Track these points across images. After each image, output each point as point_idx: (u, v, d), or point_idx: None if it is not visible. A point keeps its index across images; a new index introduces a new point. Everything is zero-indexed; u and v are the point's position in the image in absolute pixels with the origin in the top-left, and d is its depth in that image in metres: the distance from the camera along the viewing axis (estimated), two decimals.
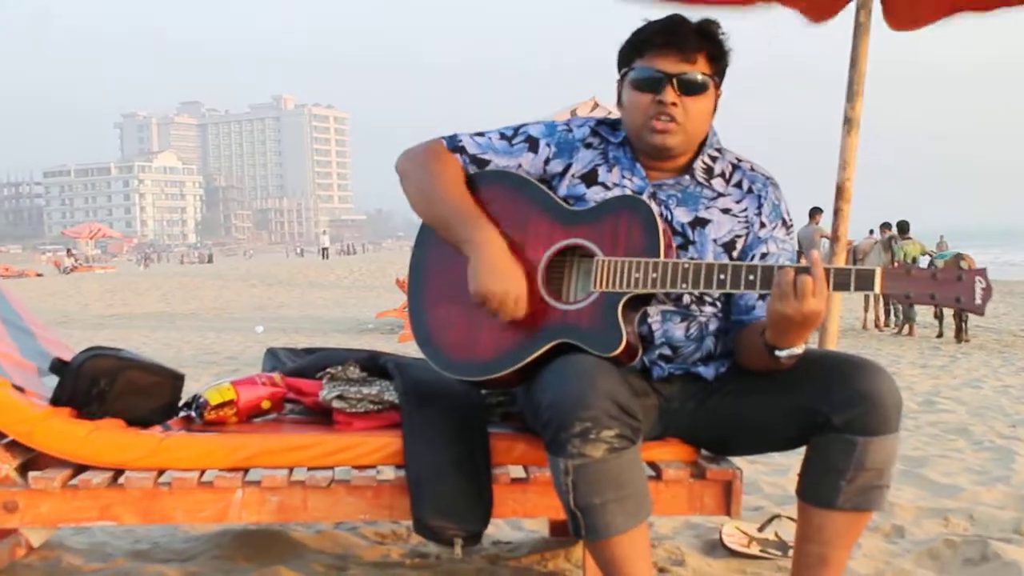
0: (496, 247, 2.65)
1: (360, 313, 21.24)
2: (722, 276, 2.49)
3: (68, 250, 61.54)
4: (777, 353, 2.52)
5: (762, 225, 2.78)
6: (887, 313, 17.40)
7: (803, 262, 2.43)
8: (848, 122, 3.83)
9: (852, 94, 3.85)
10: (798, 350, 2.52)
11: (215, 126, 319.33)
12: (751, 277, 2.47)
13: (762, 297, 2.68)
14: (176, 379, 3.14)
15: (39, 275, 44.35)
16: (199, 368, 10.72)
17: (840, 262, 3.75)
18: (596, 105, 11.43)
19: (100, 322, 20.36)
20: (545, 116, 12.01)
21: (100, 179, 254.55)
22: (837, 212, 3.86)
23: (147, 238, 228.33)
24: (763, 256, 2.75)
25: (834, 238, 3.86)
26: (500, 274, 2.61)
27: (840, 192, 3.82)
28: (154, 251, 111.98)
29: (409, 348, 12.43)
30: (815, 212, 17.82)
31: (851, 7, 3.92)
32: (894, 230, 17.31)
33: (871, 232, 21.85)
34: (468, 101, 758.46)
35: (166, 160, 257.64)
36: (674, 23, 2.69)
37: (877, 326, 17.19)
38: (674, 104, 2.66)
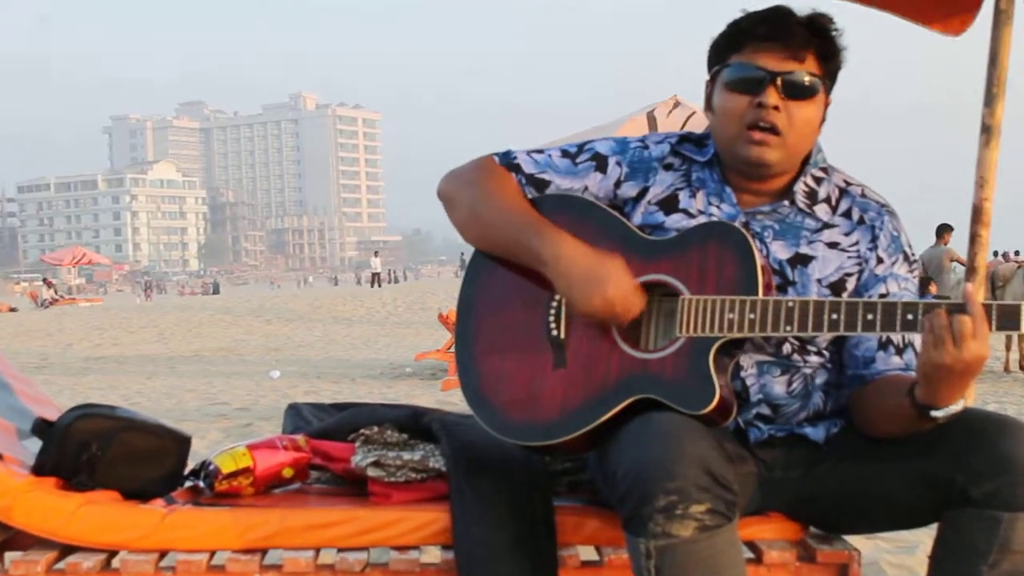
0: (577, 253, 2.66)
1: (395, 354, 21.32)
2: (834, 315, 2.49)
3: (46, 279, 62.06)
4: (934, 414, 2.50)
5: (879, 261, 2.78)
6: None
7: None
8: (987, 131, 3.81)
9: (991, 97, 3.82)
10: (957, 407, 2.51)
11: (221, 131, 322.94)
12: (870, 316, 2.46)
13: (884, 348, 2.68)
14: (181, 442, 3.17)
15: (12, 310, 44.81)
16: (205, 422, 10.82)
17: (979, 299, 3.73)
18: (677, 104, 11.39)
19: (85, 366, 20.57)
20: (620, 118, 12.11)
21: (85, 194, 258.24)
22: (974, 239, 3.84)
23: (141, 264, 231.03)
24: (882, 297, 2.74)
25: (970, 269, 3.83)
26: (593, 282, 2.62)
27: (977, 214, 3.79)
28: (150, 279, 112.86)
29: (455, 397, 12.45)
30: (944, 230, 17.69)
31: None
32: None
33: (996, 254, 21.67)
34: (524, 103, 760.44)
35: (163, 171, 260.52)
36: (780, 13, 2.70)
37: (1023, 367, 16.97)
38: (776, 108, 2.66)
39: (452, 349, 16.42)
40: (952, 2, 4.00)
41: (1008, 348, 17.50)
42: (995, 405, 12.23)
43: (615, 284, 2.61)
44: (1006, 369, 16.96)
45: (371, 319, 34.17)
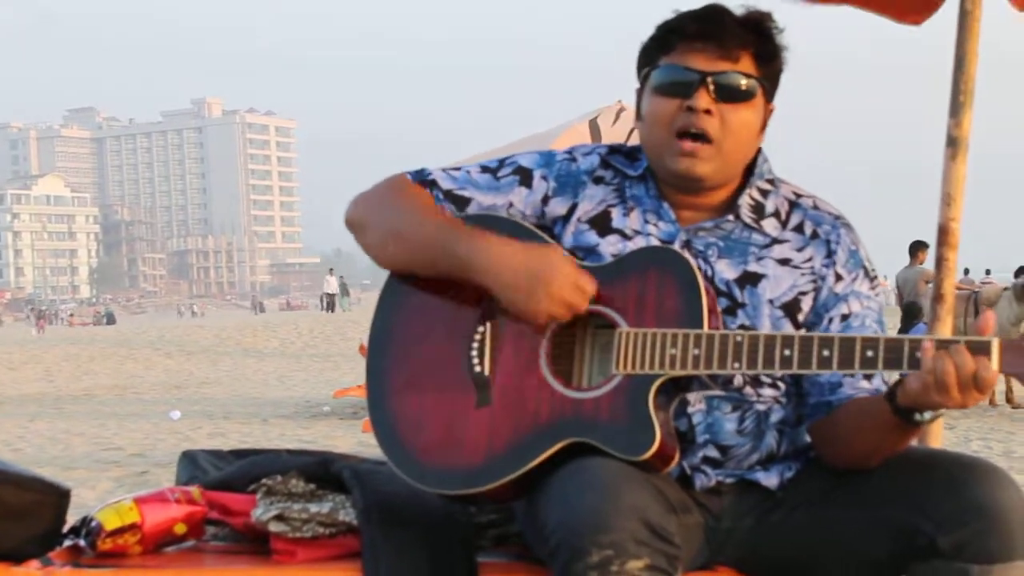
0: (510, 251, 2.68)
1: (312, 391, 21.28)
2: (787, 351, 2.51)
3: None
4: (919, 418, 2.51)
5: (838, 278, 2.81)
6: None
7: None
8: (953, 144, 3.81)
9: (957, 106, 3.83)
10: (942, 409, 2.50)
11: (115, 140, 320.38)
12: (826, 352, 2.49)
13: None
14: (60, 496, 3.14)
15: None
16: (95, 470, 10.75)
17: (945, 328, 3.75)
18: (622, 110, 11.44)
19: None
20: (557, 127, 12.12)
21: None
22: (940, 262, 3.85)
23: (24, 291, 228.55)
24: (844, 318, 2.77)
25: (937, 296, 3.85)
26: (534, 280, 2.63)
27: (944, 235, 3.79)
28: (43, 309, 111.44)
29: (374, 440, 12.34)
30: (918, 248, 17.84)
31: None
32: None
33: (966, 272, 21.97)
34: (457, 109, 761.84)
35: (49, 186, 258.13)
36: (713, 11, 2.73)
37: (1009, 400, 17.14)
38: (708, 112, 2.69)
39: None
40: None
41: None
42: (979, 443, 12.35)
43: (559, 276, 2.63)
44: (991, 402, 17.12)
45: (285, 352, 34.07)
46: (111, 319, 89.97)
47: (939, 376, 2.38)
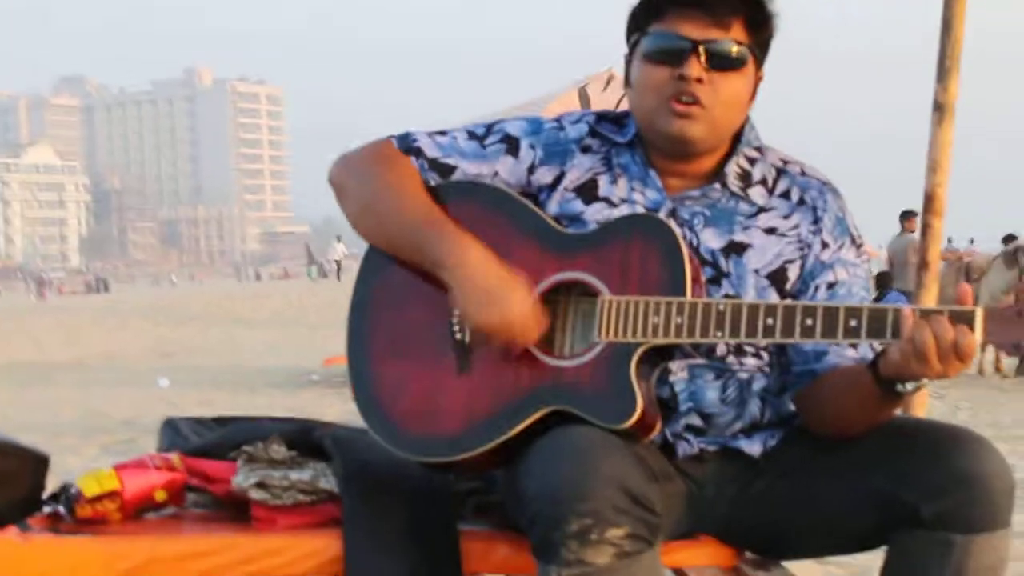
0: (482, 264, 2.66)
1: (303, 360, 21.25)
2: (770, 320, 2.50)
3: None
4: (900, 388, 2.50)
5: (824, 245, 2.80)
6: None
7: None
8: (939, 109, 3.81)
9: (944, 71, 3.81)
10: (925, 379, 2.49)
11: (106, 109, 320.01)
12: (809, 322, 2.47)
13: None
14: (38, 462, 3.13)
15: None
16: (84, 438, 10.76)
17: (930, 298, 3.74)
18: (612, 77, 11.39)
19: None
20: (546, 93, 12.08)
21: None
22: (926, 229, 3.85)
23: (13, 260, 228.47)
24: (830, 287, 2.77)
25: (922, 263, 3.84)
26: (493, 296, 2.61)
27: (930, 202, 3.80)
28: (43, 276, 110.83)
29: None
30: (908, 216, 17.83)
31: None
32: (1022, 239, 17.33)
33: (949, 241, 22.02)
34: (442, 79, 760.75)
35: (39, 155, 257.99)
36: None
37: (998, 369, 17.19)
38: (699, 80, 2.67)
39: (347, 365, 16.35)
40: None
41: (983, 348, 17.68)
42: (967, 412, 12.36)
43: (517, 304, 2.61)
44: (980, 371, 17.18)
45: (276, 321, 34.10)
46: (106, 287, 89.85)
47: (918, 345, 2.36)
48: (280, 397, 14.97)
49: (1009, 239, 18.20)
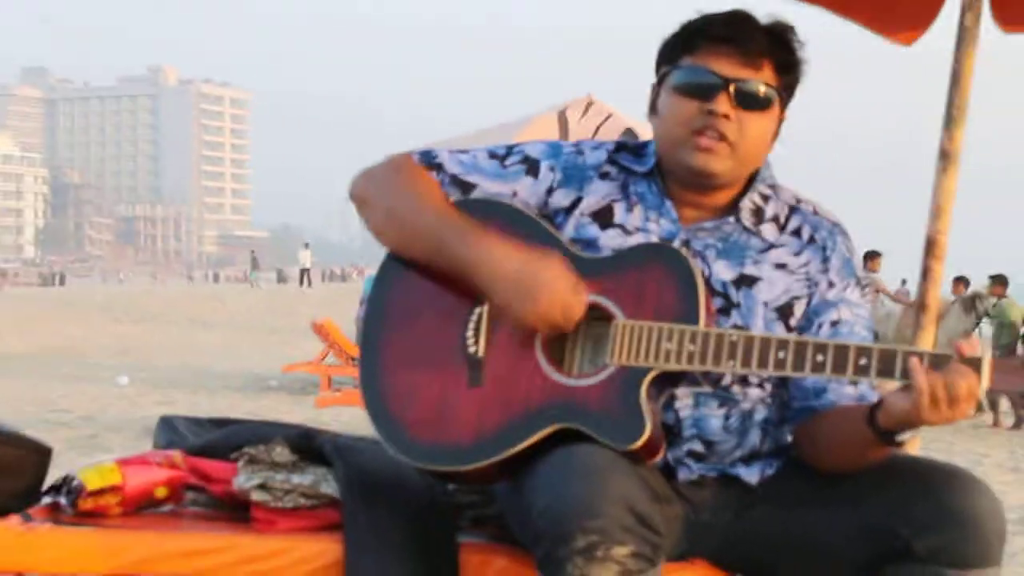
0: (507, 255, 2.69)
1: (260, 365, 21.18)
2: (781, 354, 2.54)
3: None
4: (899, 438, 2.56)
5: (830, 285, 2.85)
6: None
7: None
8: (945, 157, 3.86)
9: (951, 120, 3.87)
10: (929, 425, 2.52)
11: (67, 103, 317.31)
12: (819, 358, 2.52)
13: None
14: (41, 454, 3.15)
15: None
16: (46, 431, 10.60)
17: (928, 339, 3.78)
18: (591, 104, 11.38)
19: None
20: (526, 115, 12.08)
21: None
22: (927, 272, 3.89)
23: None
24: (833, 325, 2.81)
25: (921, 305, 3.89)
26: (529, 288, 2.64)
27: (931, 247, 3.84)
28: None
29: (328, 416, 12.37)
30: (872, 257, 17.82)
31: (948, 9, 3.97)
32: (979, 285, 17.27)
33: (903, 283, 21.90)
34: (431, 77, 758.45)
35: None
36: (740, 16, 2.75)
37: (996, 424, 17.08)
38: (727, 117, 2.71)
39: (326, 361, 16.44)
40: (906, 14, 4.11)
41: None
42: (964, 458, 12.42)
43: (553, 288, 2.64)
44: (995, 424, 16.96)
45: (233, 323, 33.93)
46: (61, 280, 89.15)
47: (932, 394, 2.40)
48: (240, 401, 14.91)
49: (995, 280, 17.87)
